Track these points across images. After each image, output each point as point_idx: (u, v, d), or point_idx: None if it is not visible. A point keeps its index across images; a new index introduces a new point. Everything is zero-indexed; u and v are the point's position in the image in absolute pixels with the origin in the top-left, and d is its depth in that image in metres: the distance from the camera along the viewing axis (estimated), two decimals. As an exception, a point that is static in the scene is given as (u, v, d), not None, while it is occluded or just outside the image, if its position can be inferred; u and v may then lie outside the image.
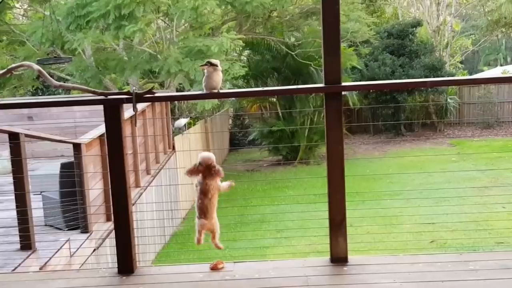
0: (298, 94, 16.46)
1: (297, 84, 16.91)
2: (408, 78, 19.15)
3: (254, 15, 15.13)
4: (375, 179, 13.70)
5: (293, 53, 16.49)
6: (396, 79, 19.11)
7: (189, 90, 16.07)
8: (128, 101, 3.43)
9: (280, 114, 17.98)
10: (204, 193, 3.27)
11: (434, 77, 19.31)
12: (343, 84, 3.53)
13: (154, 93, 3.52)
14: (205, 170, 3.27)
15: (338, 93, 3.45)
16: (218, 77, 3.46)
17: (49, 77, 3.55)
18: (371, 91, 19.66)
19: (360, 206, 9.87)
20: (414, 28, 21.34)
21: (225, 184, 3.37)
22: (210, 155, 3.30)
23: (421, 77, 19.04)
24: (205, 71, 3.49)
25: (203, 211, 3.28)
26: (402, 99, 19.82)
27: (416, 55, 20.52)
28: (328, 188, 3.47)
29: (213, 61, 3.47)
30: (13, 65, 3.64)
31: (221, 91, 3.58)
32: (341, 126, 3.48)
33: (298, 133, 17.29)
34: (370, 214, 10.06)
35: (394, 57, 20.24)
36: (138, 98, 3.42)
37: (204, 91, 3.52)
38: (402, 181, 13.60)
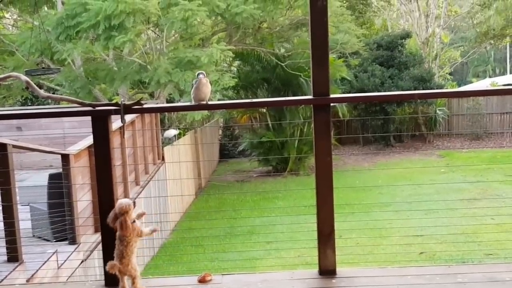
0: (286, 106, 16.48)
1: (287, 95, 16.97)
2: (398, 89, 19.27)
3: (244, 26, 15.15)
4: (364, 190, 13.72)
5: (283, 64, 16.54)
6: (385, 90, 19.23)
7: (178, 101, 16.07)
8: (116, 112, 3.42)
9: (270, 125, 18.01)
10: (120, 239, 3.26)
11: (423, 88, 19.43)
12: (332, 96, 3.54)
13: (143, 104, 3.51)
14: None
15: (326, 105, 3.45)
16: (207, 88, 3.46)
17: (37, 88, 3.53)
18: (360, 102, 19.75)
19: (349, 218, 9.87)
20: (403, 40, 21.50)
21: (147, 230, 3.35)
22: (124, 203, 3.24)
23: (410, 89, 19.17)
24: (193, 82, 3.49)
25: (118, 256, 3.25)
26: (392, 110, 19.91)
27: (405, 67, 20.65)
28: (316, 200, 3.46)
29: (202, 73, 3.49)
30: (1, 76, 3.62)
31: (209, 102, 3.59)
32: (330, 137, 3.48)
33: (288, 144, 17.32)
34: (359, 226, 10.06)
35: (384, 68, 20.37)
36: (126, 109, 3.41)
37: (193, 103, 3.52)
38: (392, 192, 13.62)
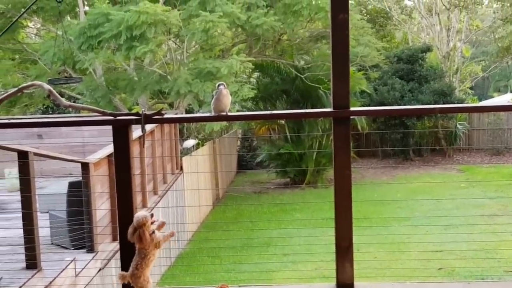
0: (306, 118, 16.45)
1: (306, 107, 16.96)
2: (418, 103, 19.12)
3: (264, 38, 15.22)
4: (383, 204, 13.61)
5: (302, 76, 16.56)
6: (405, 103, 19.11)
7: (197, 111, 16.15)
8: (137, 122, 3.43)
9: (289, 137, 17.99)
10: (139, 251, 3.24)
11: (443, 102, 19.28)
12: (352, 109, 3.53)
13: (163, 114, 3.52)
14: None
15: (346, 118, 3.44)
16: (227, 99, 3.46)
17: (59, 96, 3.57)
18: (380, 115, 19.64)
19: (367, 231, 9.79)
20: (424, 53, 21.37)
21: (164, 236, 3.32)
22: (141, 216, 3.22)
23: (430, 102, 19.02)
24: (214, 93, 3.50)
25: (133, 267, 3.23)
26: (411, 124, 19.76)
27: (426, 80, 20.51)
28: (335, 213, 3.44)
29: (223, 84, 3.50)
30: (25, 84, 3.67)
31: (229, 113, 3.59)
32: (349, 150, 3.46)
33: (306, 156, 17.28)
34: (377, 240, 9.98)
35: (404, 81, 20.25)
36: (147, 119, 3.42)
37: (213, 114, 3.52)
38: (410, 206, 13.50)
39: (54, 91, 3.53)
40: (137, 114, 3.46)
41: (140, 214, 3.27)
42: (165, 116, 3.62)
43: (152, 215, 3.33)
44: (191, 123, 17.02)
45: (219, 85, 3.47)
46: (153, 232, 3.25)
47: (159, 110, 3.51)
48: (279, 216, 13.57)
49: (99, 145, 8.16)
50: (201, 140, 16.71)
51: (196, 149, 14.84)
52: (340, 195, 3.43)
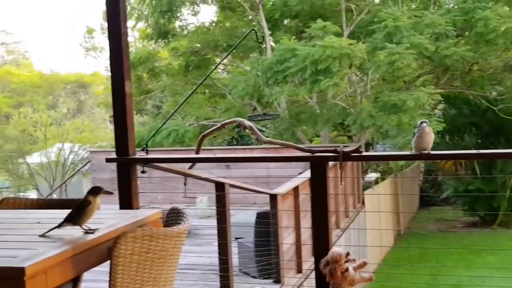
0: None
1: (499, 141, 15.93)
2: None
3: (453, 68, 14.59)
4: None
5: (494, 107, 15.53)
6: None
7: (377, 144, 15.84)
8: (334, 159, 3.42)
9: (478, 173, 16.90)
10: (331, 284, 3.24)
11: None
12: None
13: (361, 152, 3.47)
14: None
15: None
16: (430, 137, 3.32)
17: (259, 132, 3.70)
18: None
19: None
20: None
21: (360, 277, 3.24)
22: (336, 253, 3.24)
23: None
24: (415, 130, 3.38)
25: None
26: None
27: None
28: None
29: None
30: (227, 120, 3.86)
31: (431, 152, 3.43)
32: None
33: (498, 193, 16.07)
34: None
35: None
36: (345, 156, 3.40)
37: (414, 152, 3.40)
38: None
39: (255, 128, 3.66)
40: (335, 151, 3.45)
41: (335, 250, 3.31)
42: (363, 153, 3.57)
43: (348, 254, 3.33)
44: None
45: (421, 123, 3.35)
46: (347, 269, 3.25)
47: (357, 148, 3.46)
48: (468, 258, 12.70)
49: (283, 177, 8.33)
50: (382, 173, 16.38)
51: (376, 183, 14.56)
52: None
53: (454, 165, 18.70)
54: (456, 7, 14.82)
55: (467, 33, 14.18)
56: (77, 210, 2.57)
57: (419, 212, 19.45)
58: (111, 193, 2.61)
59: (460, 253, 13.26)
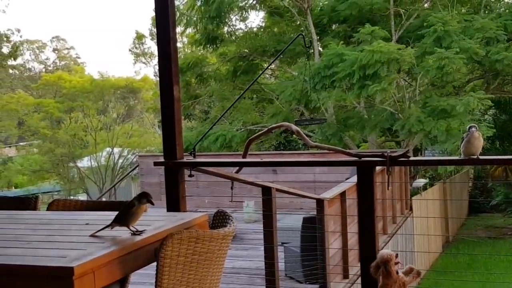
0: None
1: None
2: None
3: (503, 73, 14.23)
4: None
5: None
6: None
7: (425, 149, 15.56)
8: (381, 163, 3.40)
9: (530, 179, 16.45)
10: None
11: None
12: None
13: (409, 156, 3.44)
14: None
15: None
16: (479, 142, 3.27)
17: (306, 137, 3.70)
18: None
19: None
20: None
21: (405, 277, 3.21)
22: (386, 253, 3.21)
23: None
24: (464, 135, 3.33)
25: None
26: None
27: None
28: None
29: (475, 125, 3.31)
30: (274, 125, 3.89)
31: (480, 157, 3.37)
32: None
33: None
34: None
35: None
36: (392, 161, 3.37)
37: (462, 157, 3.34)
38: None
39: (302, 132, 3.68)
40: (382, 155, 3.43)
41: (384, 251, 3.31)
42: (411, 158, 3.54)
43: (396, 255, 3.32)
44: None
45: (470, 127, 3.30)
46: (397, 272, 3.26)
47: (405, 152, 3.43)
48: (519, 266, 12.37)
49: (329, 183, 8.30)
50: (430, 179, 16.09)
51: (425, 189, 14.31)
52: None
53: (504, 171, 18.20)
54: (507, 11, 14.49)
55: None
56: (124, 211, 2.64)
57: (468, 218, 19.01)
58: (153, 203, 2.66)
59: (510, 261, 12.92)
